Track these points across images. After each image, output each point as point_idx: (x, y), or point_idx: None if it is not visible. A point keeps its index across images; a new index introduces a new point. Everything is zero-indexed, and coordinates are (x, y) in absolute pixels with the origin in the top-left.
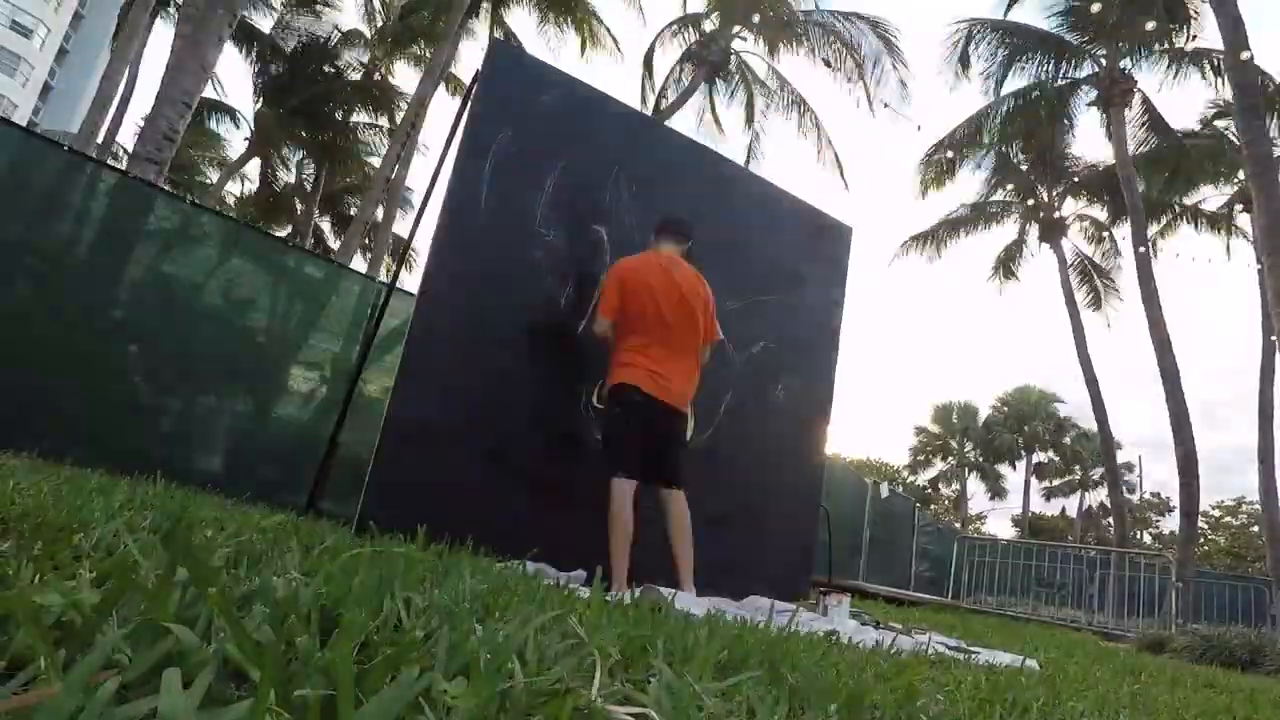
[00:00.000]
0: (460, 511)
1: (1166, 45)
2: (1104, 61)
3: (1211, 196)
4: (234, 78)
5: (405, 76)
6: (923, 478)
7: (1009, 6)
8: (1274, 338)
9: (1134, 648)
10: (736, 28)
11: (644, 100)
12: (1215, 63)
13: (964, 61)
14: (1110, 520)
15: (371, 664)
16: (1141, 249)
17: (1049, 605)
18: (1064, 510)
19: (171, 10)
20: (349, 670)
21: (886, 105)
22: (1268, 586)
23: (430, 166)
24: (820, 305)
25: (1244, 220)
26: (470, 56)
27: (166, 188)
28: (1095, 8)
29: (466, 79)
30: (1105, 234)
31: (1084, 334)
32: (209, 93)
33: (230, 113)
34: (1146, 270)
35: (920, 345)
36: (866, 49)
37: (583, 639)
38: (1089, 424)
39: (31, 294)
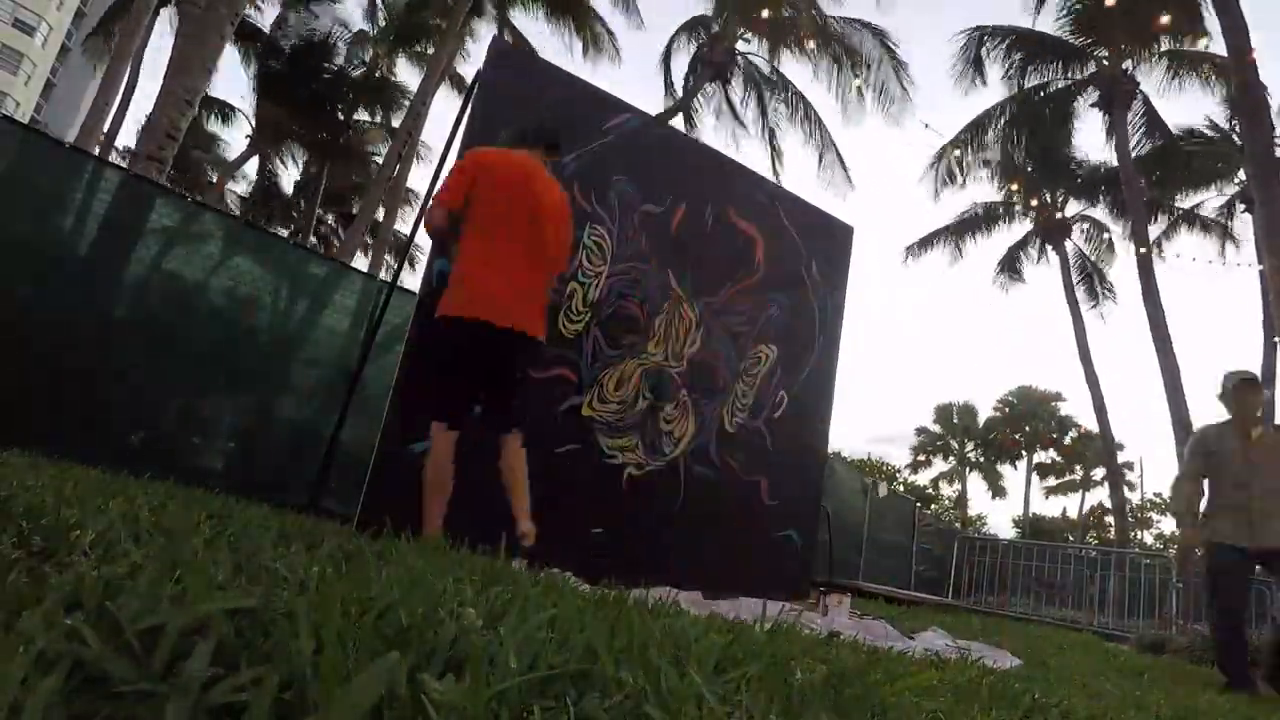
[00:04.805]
0: (460, 510)
1: (1168, 48)
2: (1106, 63)
3: (1212, 198)
4: (237, 76)
5: (407, 75)
6: (924, 477)
7: (1039, 7)
8: (1275, 339)
9: (1134, 648)
10: (741, 29)
11: (668, 97)
12: (1216, 65)
13: (977, 66)
14: (1111, 520)
15: (372, 659)
16: (1143, 249)
17: (1050, 605)
18: (1064, 511)
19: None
20: (338, 660)
21: (891, 101)
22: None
23: (432, 167)
24: (821, 304)
25: (1245, 222)
26: (474, 55)
27: (168, 185)
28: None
29: (469, 77)
30: (1107, 235)
31: (1086, 334)
32: (214, 91)
33: (231, 110)
34: (1148, 270)
35: (922, 345)
36: (868, 53)
37: (581, 635)
38: (1090, 424)
39: (32, 292)
